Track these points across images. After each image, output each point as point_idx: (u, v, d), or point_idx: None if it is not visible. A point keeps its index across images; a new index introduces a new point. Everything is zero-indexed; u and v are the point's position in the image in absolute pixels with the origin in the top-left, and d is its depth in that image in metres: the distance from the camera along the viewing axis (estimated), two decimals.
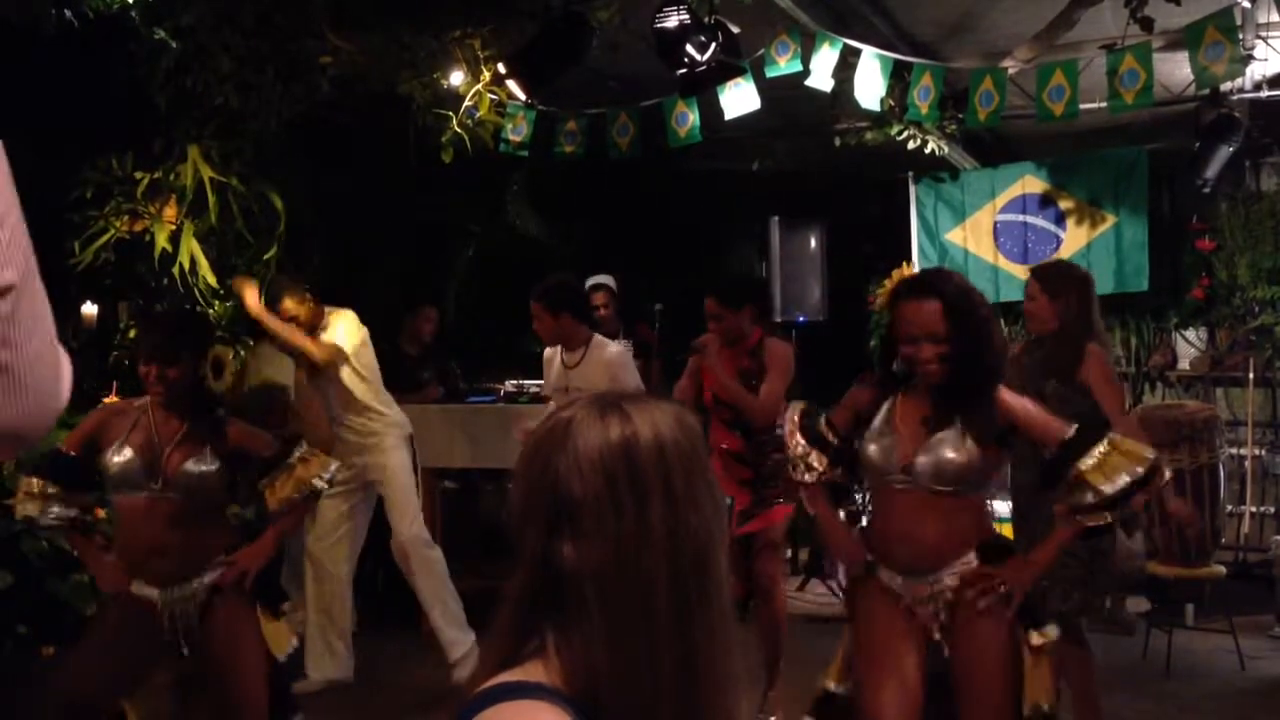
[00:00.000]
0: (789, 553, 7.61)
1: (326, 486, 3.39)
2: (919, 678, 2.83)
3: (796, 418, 3.13)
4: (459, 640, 4.86)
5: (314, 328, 4.82)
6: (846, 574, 3.18)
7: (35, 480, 3.24)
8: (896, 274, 2.98)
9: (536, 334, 4.77)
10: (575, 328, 4.67)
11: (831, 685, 3.00)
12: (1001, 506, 4.92)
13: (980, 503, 2.92)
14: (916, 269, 6.81)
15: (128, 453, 3.18)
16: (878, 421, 2.90)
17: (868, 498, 6.79)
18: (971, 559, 2.81)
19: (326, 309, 4.90)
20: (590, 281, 6.34)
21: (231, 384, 3.40)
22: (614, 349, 4.81)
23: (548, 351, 4.87)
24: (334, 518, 4.97)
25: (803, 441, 3.07)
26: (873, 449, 2.88)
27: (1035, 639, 2.78)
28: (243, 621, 3.26)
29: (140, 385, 3.30)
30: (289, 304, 4.72)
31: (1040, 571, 2.86)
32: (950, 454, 2.77)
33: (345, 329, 4.85)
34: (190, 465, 3.19)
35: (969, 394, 2.78)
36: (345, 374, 4.87)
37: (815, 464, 3.05)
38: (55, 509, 3.21)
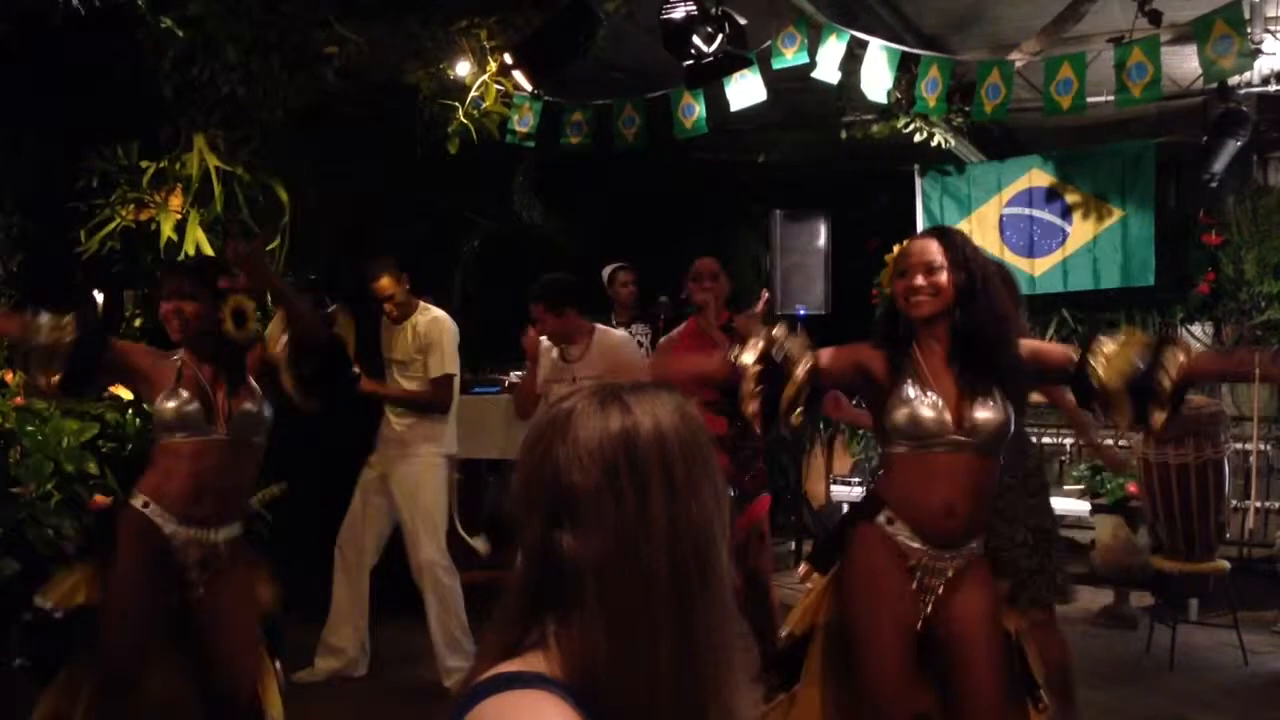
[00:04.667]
0: (793, 545, 7.63)
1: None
2: (914, 633, 2.76)
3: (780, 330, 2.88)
4: (456, 669, 4.72)
5: (406, 314, 4.95)
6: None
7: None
8: (897, 249, 2.91)
9: (540, 336, 4.70)
10: (579, 323, 4.63)
11: (793, 630, 2.87)
12: None
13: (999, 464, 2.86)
14: None
15: (185, 394, 3.18)
16: (909, 385, 2.75)
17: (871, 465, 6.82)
18: (979, 548, 2.81)
19: (421, 302, 5.01)
20: (609, 267, 6.27)
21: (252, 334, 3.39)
22: (619, 335, 4.79)
23: (544, 342, 4.83)
24: (362, 510, 4.96)
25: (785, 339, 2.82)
26: (922, 411, 2.71)
27: (1017, 620, 2.83)
28: (245, 585, 3.25)
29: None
30: (385, 282, 4.88)
31: None
32: (993, 414, 2.71)
33: (443, 332, 4.93)
34: (249, 406, 3.23)
35: (987, 344, 2.73)
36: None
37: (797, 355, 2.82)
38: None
